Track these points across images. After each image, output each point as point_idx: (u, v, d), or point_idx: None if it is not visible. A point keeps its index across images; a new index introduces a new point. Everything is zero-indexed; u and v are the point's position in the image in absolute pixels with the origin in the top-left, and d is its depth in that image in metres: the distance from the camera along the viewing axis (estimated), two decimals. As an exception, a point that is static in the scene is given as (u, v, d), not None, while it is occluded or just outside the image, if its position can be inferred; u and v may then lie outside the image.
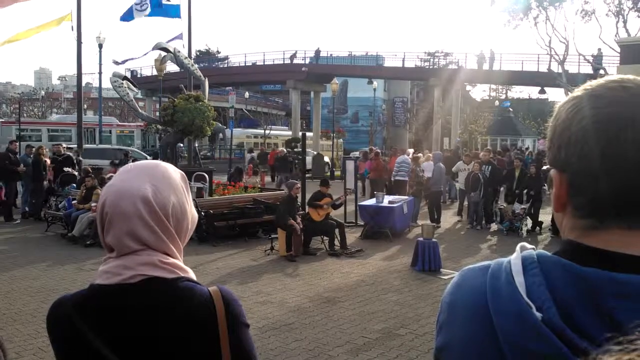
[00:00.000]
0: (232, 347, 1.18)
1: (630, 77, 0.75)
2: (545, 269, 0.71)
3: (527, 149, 31.97)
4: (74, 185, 12.93)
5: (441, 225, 12.97)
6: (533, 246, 0.77)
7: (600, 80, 0.77)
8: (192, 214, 1.28)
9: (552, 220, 11.76)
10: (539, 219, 12.45)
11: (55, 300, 1.23)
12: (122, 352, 1.15)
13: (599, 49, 28.85)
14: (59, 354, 1.22)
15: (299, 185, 10.37)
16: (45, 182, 13.50)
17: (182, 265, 1.23)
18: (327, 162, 28.01)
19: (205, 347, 1.17)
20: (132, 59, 16.79)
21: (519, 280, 0.71)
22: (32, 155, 13.33)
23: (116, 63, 17.99)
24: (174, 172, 1.27)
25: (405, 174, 14.42)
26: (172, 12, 15.89)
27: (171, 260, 1.21)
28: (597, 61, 28.00)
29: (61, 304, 1.21)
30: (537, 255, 0.74)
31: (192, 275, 1.24)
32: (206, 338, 1.17)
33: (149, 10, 15.28)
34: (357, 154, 25.40)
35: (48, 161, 13.62)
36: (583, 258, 0.71)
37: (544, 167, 11.88)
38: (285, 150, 23.66)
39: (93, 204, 10.56)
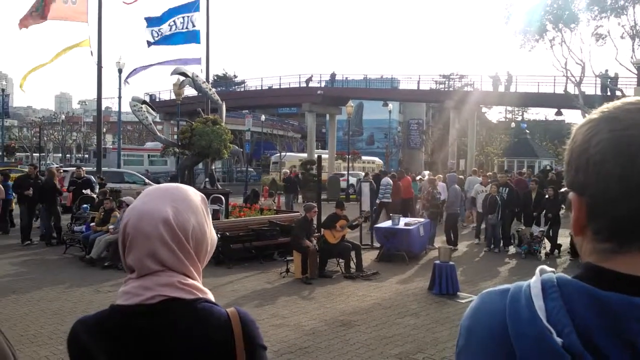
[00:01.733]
0: None
1: None
2: (565, 293, 0.71)
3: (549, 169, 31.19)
4: (86, 206, 13.00)
5: (458, 247, 12.84)
6: (553, 269, 0.76)
7: (617, 103, 0.77)
8: (212, 236, 1.30)
9: (571, 242, 11.58)
10: (558, 242, 12.27)
11: (77, 320, 1.25)
12: None
13: (606, 70, 28.84)
14: None
15: (316, 209, 10.37)
16: (60, 207, 13.59)
17: (201, 286, 1.24)
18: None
19: None
20: (135, 71, 17.07)
21: (539, 304, 0.71)
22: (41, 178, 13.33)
23: (126, 81, 18.41)
24: (194, 195, 1.29)
25: (389, 195, 15.19)
26: (192, 38, 16.26)
27: (190, 281, 1.22)
28: (604, 80, 27.89)
29: (81, 323, 1.23)
30: (557, 279, 0.73)
31: (210, 296, 1.25)
32: (223, 359, 1.18)
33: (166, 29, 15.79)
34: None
35: (57, 183, 13.60)
36: (603, 282, 0.70)
37: (562, 190, 11.74)
38: (289, 171, 24.05)
39: (110, 227, 10.65)
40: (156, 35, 16.22)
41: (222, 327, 1.19)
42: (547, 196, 12.42)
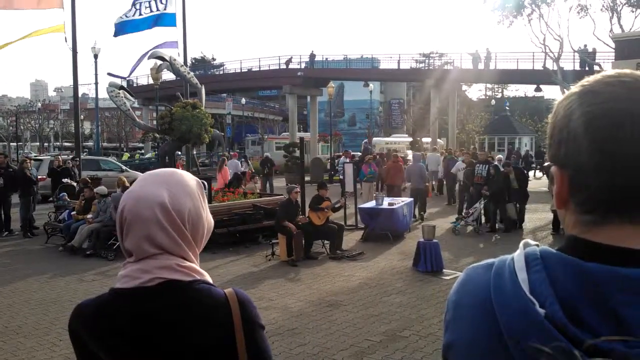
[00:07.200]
0: (248, 347, 1.22)
1: (627, 71, 0.75)
2: (548, 265, 0.72)
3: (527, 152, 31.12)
4: (64, 194, 12.83)
5: (427, 217, 13.02)
6: (537, 243, 0.77)
7: (597, 76, 0.77)
8: (208, 220, 1.33)
9: (554, 218, 11.74)
10: (497, 218, 12.34)
11: (77, 305, 1.27)
12: (140, 353, 1.18)
13: (585, 45, 29.08)
14: (78, 357, 1.26)
15: (298, 189, 10.37)
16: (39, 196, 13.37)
17: (198, 268, 1.27)
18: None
19: (221, 347, 1.21)
20: (122, 77, 16.73)
21: (522, 276, 0.72)
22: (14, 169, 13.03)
23: (111, 75, 18.01)
24: (190, 179, 1.32)
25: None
26: (168, 21, 15.93)
27: (188, 263, 1.25)
28: (583, 55, 28.13)
29: (82, 307, 1.25)
30: (540, 252, 0.74)
31: (208, 278, 1.28)
32: (222, 339, 1.21)
33: (137, 14, 15.40)
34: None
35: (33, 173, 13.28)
36: (586, 253, 0.71)
37: (546, 164, 11.87)
38: (268, 154, 24.12)
39: (89, 216, 10.58)
40: (125, 17, 15.71)
41: (220, 308, 1.22)
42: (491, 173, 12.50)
